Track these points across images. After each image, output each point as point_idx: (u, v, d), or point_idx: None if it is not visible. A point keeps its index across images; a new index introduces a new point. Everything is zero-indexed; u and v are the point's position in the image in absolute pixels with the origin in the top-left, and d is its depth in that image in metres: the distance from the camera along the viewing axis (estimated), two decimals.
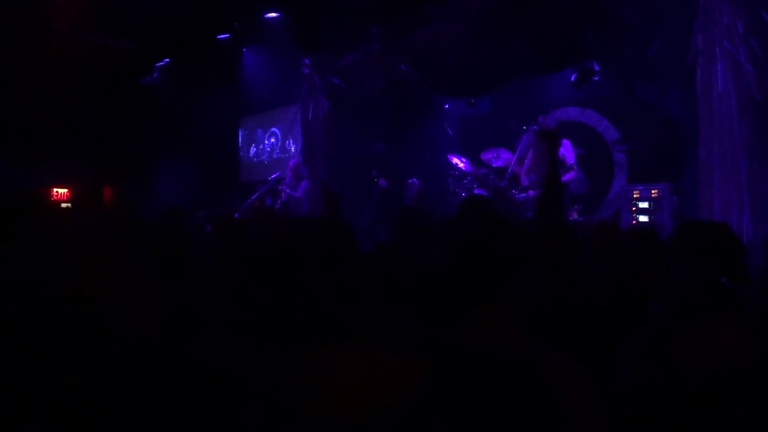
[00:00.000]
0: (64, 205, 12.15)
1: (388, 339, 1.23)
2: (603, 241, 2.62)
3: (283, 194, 9.27)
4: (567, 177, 7.15)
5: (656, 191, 6.80)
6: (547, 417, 1.24)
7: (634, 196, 6.98)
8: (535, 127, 7.27)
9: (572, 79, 8.31)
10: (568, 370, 1.31)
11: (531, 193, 7.35)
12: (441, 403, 1.23)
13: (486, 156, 8.52)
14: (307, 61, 9.52)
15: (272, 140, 11.49)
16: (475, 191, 8.20)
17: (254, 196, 9.60)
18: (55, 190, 12.09)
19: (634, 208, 6.98)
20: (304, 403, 1.15)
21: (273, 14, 7.93)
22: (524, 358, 1.31)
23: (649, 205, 6.81)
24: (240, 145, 12.10)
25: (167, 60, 9.43)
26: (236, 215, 8.19)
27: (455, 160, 8.79)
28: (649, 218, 6.73)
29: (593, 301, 1.83)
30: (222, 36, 8.63)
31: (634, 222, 6.79)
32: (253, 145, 11.89)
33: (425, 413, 1.20)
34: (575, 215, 7.86)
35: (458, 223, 1.59)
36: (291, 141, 11.01)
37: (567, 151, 7.15)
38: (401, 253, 3.10)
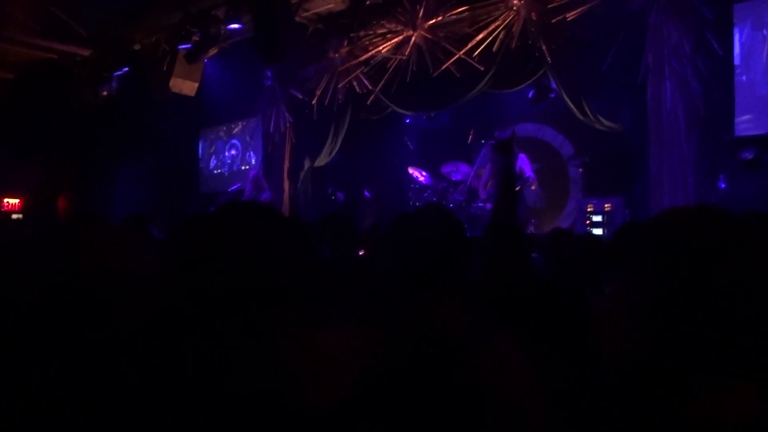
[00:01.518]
0: (14, 216, 11.83)
1: (333, 314, 1.27)
2: (555, 244, 2.72)
3: None
4: (529, 189, 7.31)
5: (609, 205, 6.99)
6: (488, 395, 1.28)
7: (588, 209, 7.16)
8: (492, 142, 7.42)
9: (530, 95, 8.52)
10: (512, 352, 1.36)
11: (488, 206, 7.48)
12: (385, 378, 1.27)
13: (446, 169, 8.65)
14: (269, 73, 9.53)
15: (233, 152, 11.41)
16: None
17: (213, 208, 9.52)
18: (5, 200, 11.76)
19: (588, 222, 7.15)
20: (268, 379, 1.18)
21: (235, 25, 7.92)
22: (470, 339, 1.35)
23: (603, 218, 6.99)
24: (200, 156, 11.99)
25: (126, 69, 9.30)
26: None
27: (415, 173, 8.89)
28: (603, 231, 6.90)
29: (538, 291, 1.90)
30: (183, 46, 8.57)
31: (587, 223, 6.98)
32: (214, 156, 11.79)
33: (368, 387, 1.24)
34: (532, 228, 8.02)
35: (415, 219, 1.64)
36: (251, 153, 10.96)
37: (524, 164, 7.31)
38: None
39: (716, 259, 0.97)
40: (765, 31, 5.97)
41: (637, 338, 1.04)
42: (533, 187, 7.51)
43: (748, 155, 5.89)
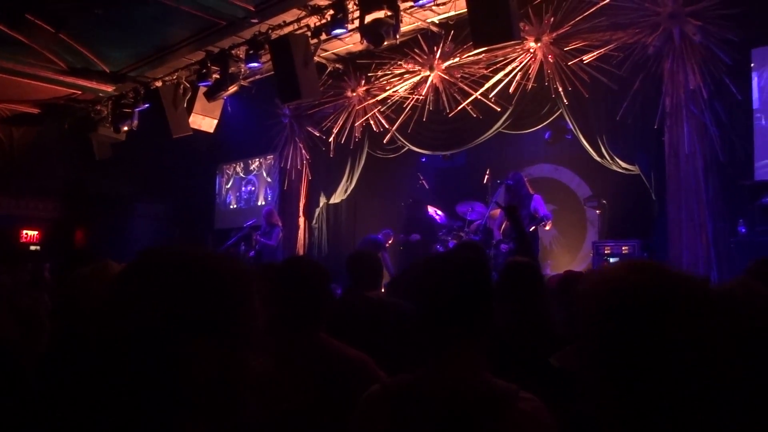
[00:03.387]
0: (33, 247, 11.94)
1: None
2: (566, 289, 2.68)
3: (257, 243, 9.25)
4: (543, 228, 7.24)
5: (627, 247, 6.89)
6: None
7: (605, 251, 7.07)
8: (509, 182, 7.39)
9: (546, 137, 8.52)
10: (538, 411, 1.34)
11: (503, 247, 7.39)
12: None
13: (461, 209, 8.62)
14: (286, 111, 9.65)
15: (249, 188, 11.50)
16: (450, 244, 8.24)
17: (228, 243, 9.55)
18: (24, 231, 11.89)
19: (604, 264, 7.05)
20: None
21: (254, 64, 8.05)
22: (494, 396, 1.33)
23: (620, 261, 6.88)
24: (217, 191, 12.09)
25: (147, 105, 9.46)
26: None
27: (431, 212, 8.87)
28: None
29: (557, 338, 1.85)
30: (203, 83, 8.71)
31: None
32: (230, 192, 11.89)
33: None
34: (548, 270, 7.92)
35: (444, 266, 1.59)
36: (268, 189, 11.04)
37: (539, 205, 7.26)
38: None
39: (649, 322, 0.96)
40: None
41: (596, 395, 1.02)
42: (547, 227, 7.43)
43: None
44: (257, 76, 8.95)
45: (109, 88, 10.06)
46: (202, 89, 8.92)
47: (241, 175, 11.70)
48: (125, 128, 10.01)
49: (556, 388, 1.62)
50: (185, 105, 9.23)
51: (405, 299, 2.98)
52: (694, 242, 5.83)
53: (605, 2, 6.35)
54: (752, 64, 6.08)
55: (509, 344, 2.03)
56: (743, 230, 5.99)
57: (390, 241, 9.01)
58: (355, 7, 6.87)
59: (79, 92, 10.24)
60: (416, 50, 7.91)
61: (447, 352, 1.41)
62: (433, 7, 7.14)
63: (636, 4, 6.19)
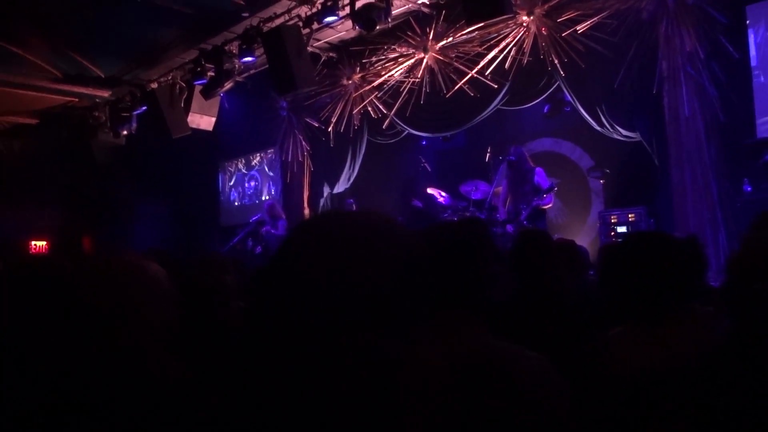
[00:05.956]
0: None
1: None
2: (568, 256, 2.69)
3: (266, 235, 9.28)
4: (546, 201, 7.23)
5: (633, 215, 6.89)
6: (522, 415, 1.25)
7: (612, 221, 7.07)
8: (511, 158, 7.38)
9: (545, 110, 8.49)
10: (544, 370, 1.34)
11: (509, 228, 7.37)
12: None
13: (465, 189, 8.59)
14: (283, 104, 9.64)
15: (252, 183, 11.52)
16: None
17: (236, 239, 9.59)
18: (33, 243, 11.94)
19: (612, 233, 7.05)
20: None
21: (248, 59, 8.03)
22: (499, 359, 1.33)
23: (627, 229, 6.89)
24: (220, 189, 12.12)
25: (144, 108, 9.45)
26: None
27: (435, 194, 8.86)
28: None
29: (564, 304, 1.85)
30: (199, 82, 8.70)
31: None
32: (233, 188, 11.92)
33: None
34: None
35: (440, 232, 1.59)
36: (271, 183, 11.05)
37: (541, 178, 7.25)
38: None
39: None
40: None
41: None
42: (547, 207, 7.37)
43: None
44: (252, 71, 8.93)
45: (106, 93, 10.07)
46: (198, 88, 8.92)
47: (244, 171, 11.72)
48: (125, 132, 10.03)
49: (566, 355, 1.63)
50: (182, 105, 9.23)
51: None
52: (700, 205, 5.81)
53: None
54: (747, 21, 6.04)
55: (520, 313, 2.03)
56: (748, 189, 5.98)
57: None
58: None
59: (76, 99, 10.25)
60: (409, 33, 7.86)
61: (442, 319, 1.41)
62: None
63: None
